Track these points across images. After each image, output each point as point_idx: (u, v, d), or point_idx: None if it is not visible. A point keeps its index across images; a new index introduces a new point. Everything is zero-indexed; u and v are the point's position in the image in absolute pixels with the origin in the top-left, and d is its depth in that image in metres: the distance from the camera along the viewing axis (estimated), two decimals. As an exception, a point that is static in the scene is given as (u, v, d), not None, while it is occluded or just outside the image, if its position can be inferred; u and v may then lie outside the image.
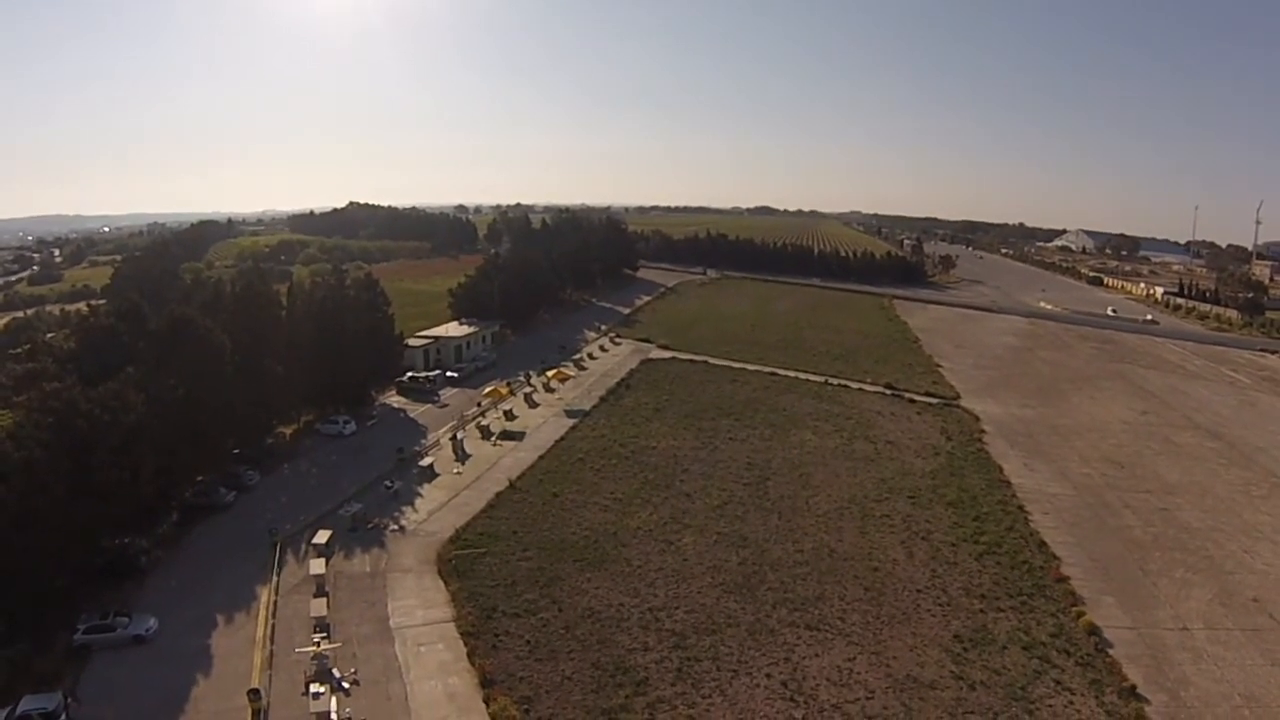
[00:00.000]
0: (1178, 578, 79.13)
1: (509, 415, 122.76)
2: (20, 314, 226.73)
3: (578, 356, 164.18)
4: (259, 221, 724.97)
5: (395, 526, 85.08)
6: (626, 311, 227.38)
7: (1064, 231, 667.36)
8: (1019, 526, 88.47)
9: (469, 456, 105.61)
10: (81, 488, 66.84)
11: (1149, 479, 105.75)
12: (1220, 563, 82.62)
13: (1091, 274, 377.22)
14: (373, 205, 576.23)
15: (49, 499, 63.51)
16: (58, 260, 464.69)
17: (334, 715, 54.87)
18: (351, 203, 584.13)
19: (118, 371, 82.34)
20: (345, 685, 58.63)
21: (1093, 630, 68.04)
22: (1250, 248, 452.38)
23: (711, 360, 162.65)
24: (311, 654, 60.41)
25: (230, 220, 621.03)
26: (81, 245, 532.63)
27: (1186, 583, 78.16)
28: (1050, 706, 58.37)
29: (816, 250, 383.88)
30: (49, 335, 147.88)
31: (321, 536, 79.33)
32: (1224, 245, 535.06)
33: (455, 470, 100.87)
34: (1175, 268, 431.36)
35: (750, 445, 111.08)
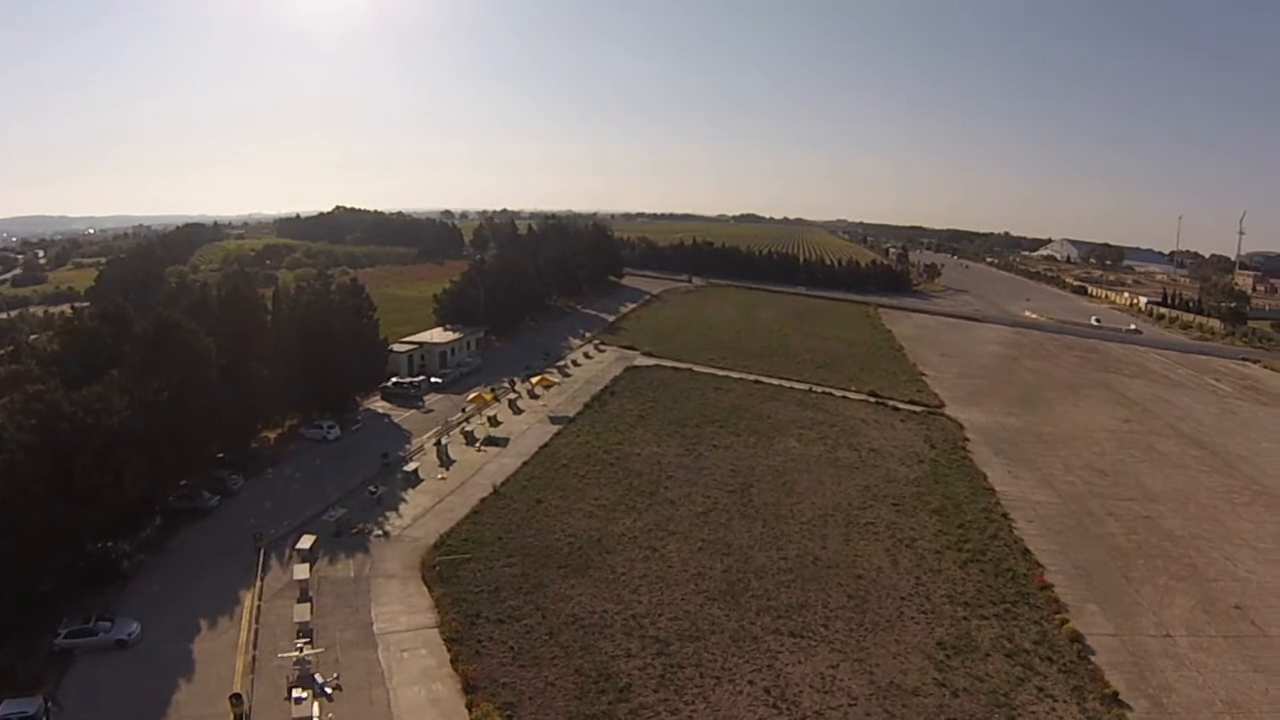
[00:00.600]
0: (1160, 585, 79.41)
1: (493, 421, 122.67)
2: (3, 315, 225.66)
3: (562, 363, 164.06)
4: (245, 225, 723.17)
5: (379, 532, 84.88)
6: (611, 319, 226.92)
7: (1049, 241, 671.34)
8: (1003, 534, 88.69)
9: (453, 462, 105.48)
10: (64, 491, 66.56)
11: (1132, 487, 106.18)
12: (1203, 570, 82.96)
13: (1076, 283, 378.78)
14: (359, 210, 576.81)
15: (31, 502, 63.19)
16: (42, 262, 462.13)
17: (316, 721, 54.74)
18: (338, 207, 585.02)
19: (102, 374, 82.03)
20: (328, 690, 58.45)
21: (1075, 637, 68.26)
22: (1233, 258, 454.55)
23: (696, 368, 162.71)
24: (294, 659, 60.22)
25: (216, 223, 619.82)
26: (66, 247, 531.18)
27: (1169, 590, 78.45)
28: (1033, 713, 58.51)
29: (802, 258, 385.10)
30: (32, 337, 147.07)
31: (305, 541, 78.98)
32: (1207, 255, 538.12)
33: (439, 476, 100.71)
34: (1159, 277, 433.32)
35: (734, 452, 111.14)
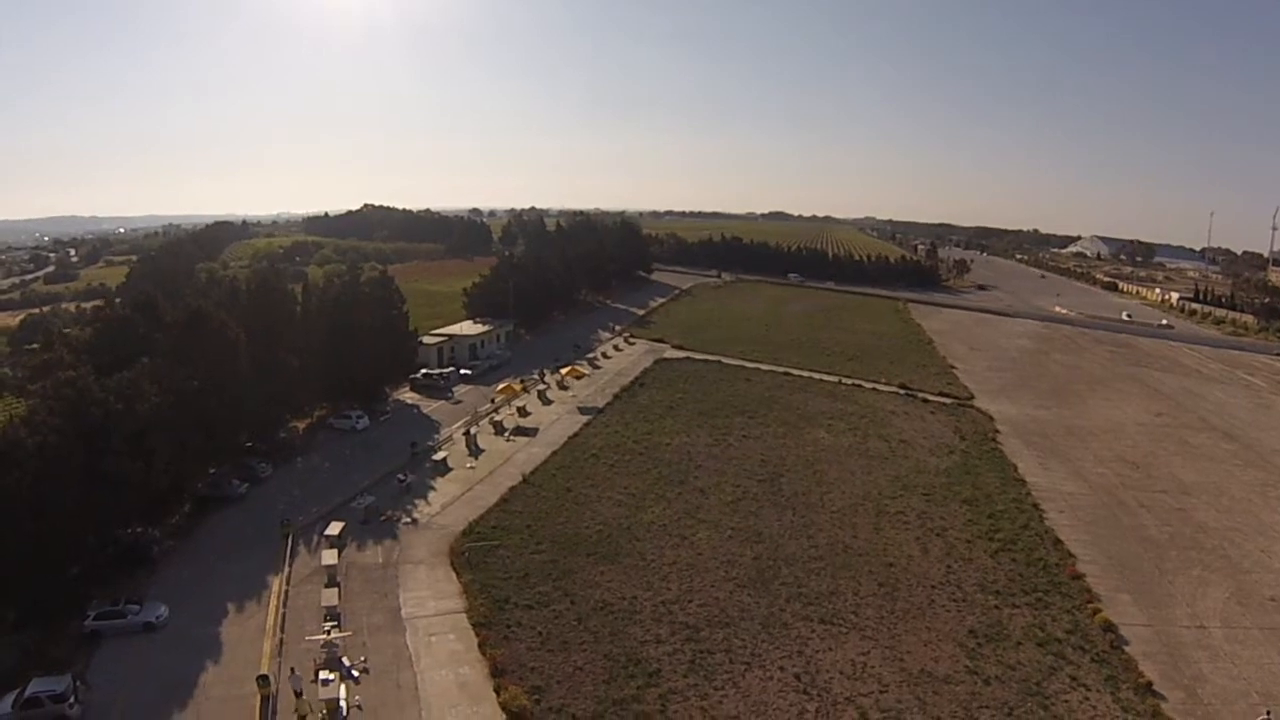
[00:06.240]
0: (1194, 576, 78.47)
1: (522, 412, 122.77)
2: (36, 311, 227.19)
3: (592, 355, 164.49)
4: (274, 223, 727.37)
5: (408, 519, 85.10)
6: (641, 312, 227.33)
7: (1078, 238, 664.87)
8: (1034, 524, 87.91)
9: (482, 451, 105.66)
10: (95, 475, 66.95)
11: (1165, 479, 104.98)
12: (1237, 562, 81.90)
13: (1106, 279, 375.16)
14: (387, 207, 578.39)
15: (62, 485, 63.58)
16: (73, 260, 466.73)
17: (343, 703, 54.71)
18: (366, 205, 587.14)
19: (133, 363, 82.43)
20: (355, 673, 58.52)
21: (1109, 627, 67.50)
22: (1267, 253, 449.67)
23: (725, 360, 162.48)
24: (322, 642, 60.31)
25: (245, 222, 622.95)
26: (97, 245, 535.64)
27: (1203, 581, 77.49)
28: (1065, 702, 57.89)
29: (831, 254, 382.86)
30: (65, 330, 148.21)
31: (334, 528, 79.26)
32: (1240, 251, 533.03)
33: (468, 465, 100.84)
34: (1190, 274, 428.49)
35: (764, 443, 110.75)
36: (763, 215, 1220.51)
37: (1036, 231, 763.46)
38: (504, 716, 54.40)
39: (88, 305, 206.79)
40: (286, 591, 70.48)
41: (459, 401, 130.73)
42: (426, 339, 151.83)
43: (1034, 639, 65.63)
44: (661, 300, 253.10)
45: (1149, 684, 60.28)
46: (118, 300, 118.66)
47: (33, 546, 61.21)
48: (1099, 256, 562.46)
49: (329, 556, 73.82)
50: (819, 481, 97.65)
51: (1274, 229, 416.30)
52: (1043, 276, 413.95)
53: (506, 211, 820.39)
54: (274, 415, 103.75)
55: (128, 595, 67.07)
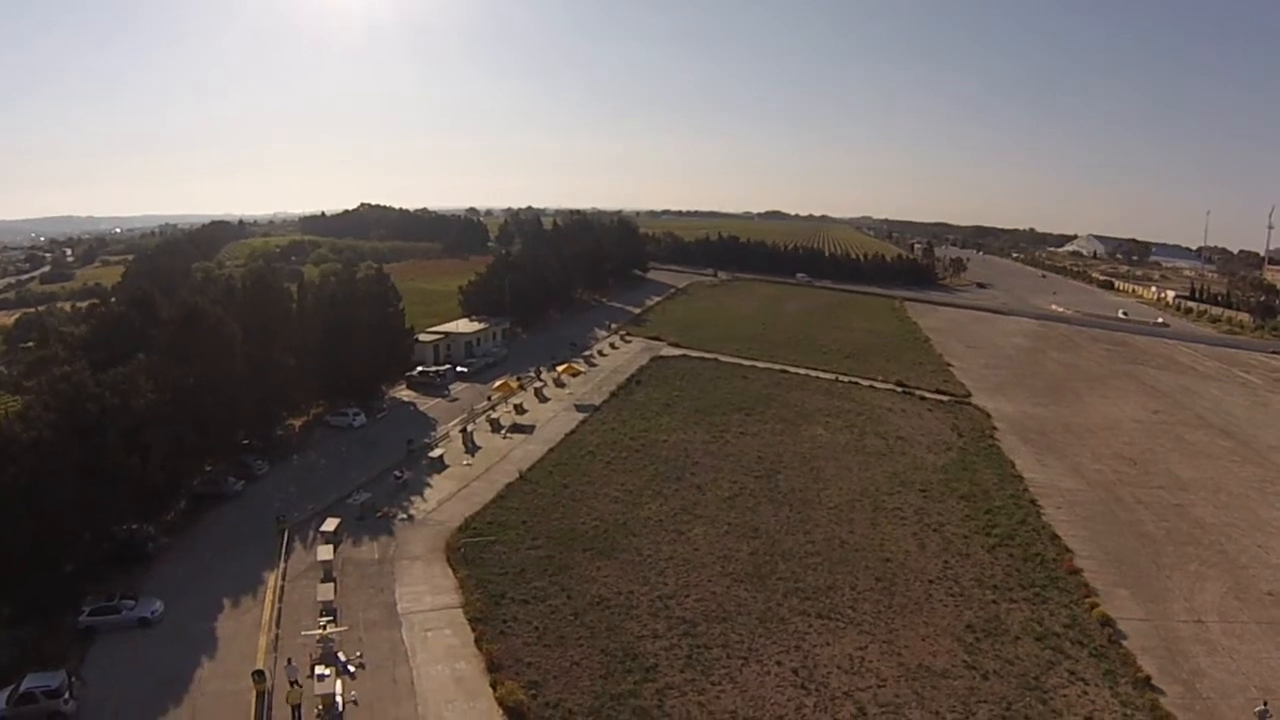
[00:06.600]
0: (1192, 571, 78.49)
1: (519, 409, 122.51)
2: (31, 310, 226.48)
3: (588, 353, 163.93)
4: (271, 223, 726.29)
5: (404, 515, 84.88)
6: (637, 311, 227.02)
7: (1074, 237, 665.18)
8: (1031, 520, 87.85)
9: (479, 449, 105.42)
10: (90, 471, 66.71)
11: (1162, 475, 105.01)
12: (1234, 557, 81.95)
13: (1102, 278, 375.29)
14: (384, 207, 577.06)
15: (58, 480, 63.35)
16: (69, 260, 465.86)
17: (339, 698, 54.57)
18: (363, 204, 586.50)
19: (129, 359, 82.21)
20: (351, 668, 58.35)
21: (1106, 622, 67.41)
22: (1262, 252, 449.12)
23: (722, 358, 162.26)
24: (318, 637, 60.14)
25: (242, 221, 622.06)
26: (93, 245, 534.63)
27: (1200, 576, 77.51)
28: (1064, 696, 57.79)
29: (828, 253, 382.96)
30: (61, 328, 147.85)
31: (330, 524, 79.04)
32: (1236, 250, 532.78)
33: (465, 462, 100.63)
34: (1186, 272, 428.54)
35: (761, 439, 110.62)
36: (759, 214, 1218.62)
37: (1033, 230, 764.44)
38: (500, 711, 54.20)
39: (83, 305, 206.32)
40: (282, 587, 70.27)
41: (455, 399, 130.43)
42: (423, 336, 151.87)
43: (1032, 634, 65.60)
44: (658, 298, 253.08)
45: (1147, 678, 60.27)
46: (113, 299, 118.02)
47: (28, 542, 60.93)
48: (1095, 255, 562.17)
49: (325, 552, 73.65)
50: (816, 478, 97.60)
51: (1269, 228, 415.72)
52: (1043, 276, 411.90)
53: (504, 211, 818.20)
54: (270, 413, 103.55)
55: (123, 591, 66.79)
